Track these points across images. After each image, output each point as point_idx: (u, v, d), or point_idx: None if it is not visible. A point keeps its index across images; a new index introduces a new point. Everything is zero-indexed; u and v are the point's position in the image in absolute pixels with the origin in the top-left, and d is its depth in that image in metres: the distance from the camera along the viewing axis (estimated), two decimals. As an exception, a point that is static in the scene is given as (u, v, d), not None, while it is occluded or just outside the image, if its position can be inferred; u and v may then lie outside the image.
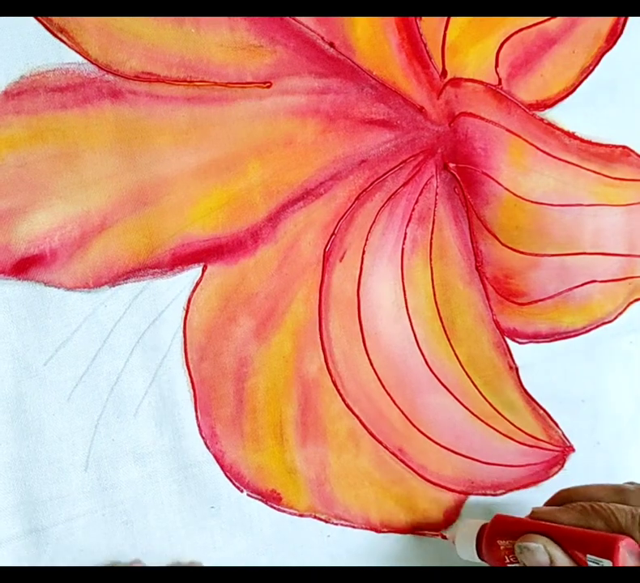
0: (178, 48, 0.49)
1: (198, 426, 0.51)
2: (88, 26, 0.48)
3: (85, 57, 0.48)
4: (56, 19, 0.48)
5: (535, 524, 0.50)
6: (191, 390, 0.51)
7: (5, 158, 0.47)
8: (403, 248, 0.55)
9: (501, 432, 0.57)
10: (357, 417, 0.54)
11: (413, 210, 0.55)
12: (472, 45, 0.55)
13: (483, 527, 0.53)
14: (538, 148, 0.57)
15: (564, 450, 0.59)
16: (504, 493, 0.57)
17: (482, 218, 0.56)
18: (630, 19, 0.57)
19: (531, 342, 0.58)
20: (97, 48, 0.48)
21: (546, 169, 0.57)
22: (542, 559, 0.48)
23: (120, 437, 0.50)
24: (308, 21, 0.51)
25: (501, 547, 0.51)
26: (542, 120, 0.57)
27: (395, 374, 0.55)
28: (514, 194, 0.56)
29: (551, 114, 0.57)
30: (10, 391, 0.48)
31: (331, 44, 0.52)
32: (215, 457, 0.51)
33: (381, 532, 0.54)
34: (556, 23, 0.56)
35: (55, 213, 0.48)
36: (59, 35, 0.48)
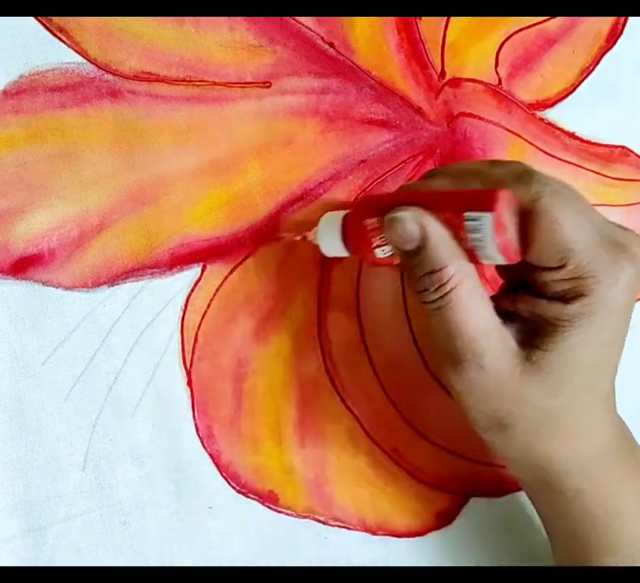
0: (178, 47, 0.49)
1: (196, 426, 0.51)
2: (88, 25, 0.48)
3: (84, 57, 0.48)
4: (55, 18, 0.48)
5: (406, 195, 0.45)
6: (189, 390, 0.51)
7: (4, 157, 0.47)
8: (402, 249, 0.55)
9: (499, 433, 0.57)
10: (356, 417, 0.54)
11: (412, 210, 0.55)
12: (472, 45, 0.55)
13: (347, 214, 0.48)
14: (538, 148, 0.57)
15: (562, 451, 0.59)
16: (504, 494, 0.57)
17: (481, 218, 0.56)
18: (630, 19, 0.57)
19: (529, 342, 0.58)
20: (96, 48, 0.48)
21: (546, 169, 0.57)
22: (412, 230, 0.43)
23: (118, 437, 0.50)
24: (308, 21, 0.51)
25: (369, 228, 0.46)
26: (542, 120, 0.57)
27: (394, 375, 0.55)
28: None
29: (551, 114, 0.57)
30: (8, 390, 0.48)
31: (331, 45, 0.52)
32: (212, 457, 0.51)
33: (376, 534, 0.54)
34: (556, 23, 0.56)
35: (54, 213, 0.48)
36: (58, 34, 0.48)
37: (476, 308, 0.44)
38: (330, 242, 0.49)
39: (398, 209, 0.44)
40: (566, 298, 0.43)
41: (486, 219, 0.41)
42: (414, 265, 0.44)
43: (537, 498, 0.50)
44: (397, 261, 0.46)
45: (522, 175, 0.43)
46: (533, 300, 0.45)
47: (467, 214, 0.42)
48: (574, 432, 0.45)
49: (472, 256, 0.43)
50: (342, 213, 0.48)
